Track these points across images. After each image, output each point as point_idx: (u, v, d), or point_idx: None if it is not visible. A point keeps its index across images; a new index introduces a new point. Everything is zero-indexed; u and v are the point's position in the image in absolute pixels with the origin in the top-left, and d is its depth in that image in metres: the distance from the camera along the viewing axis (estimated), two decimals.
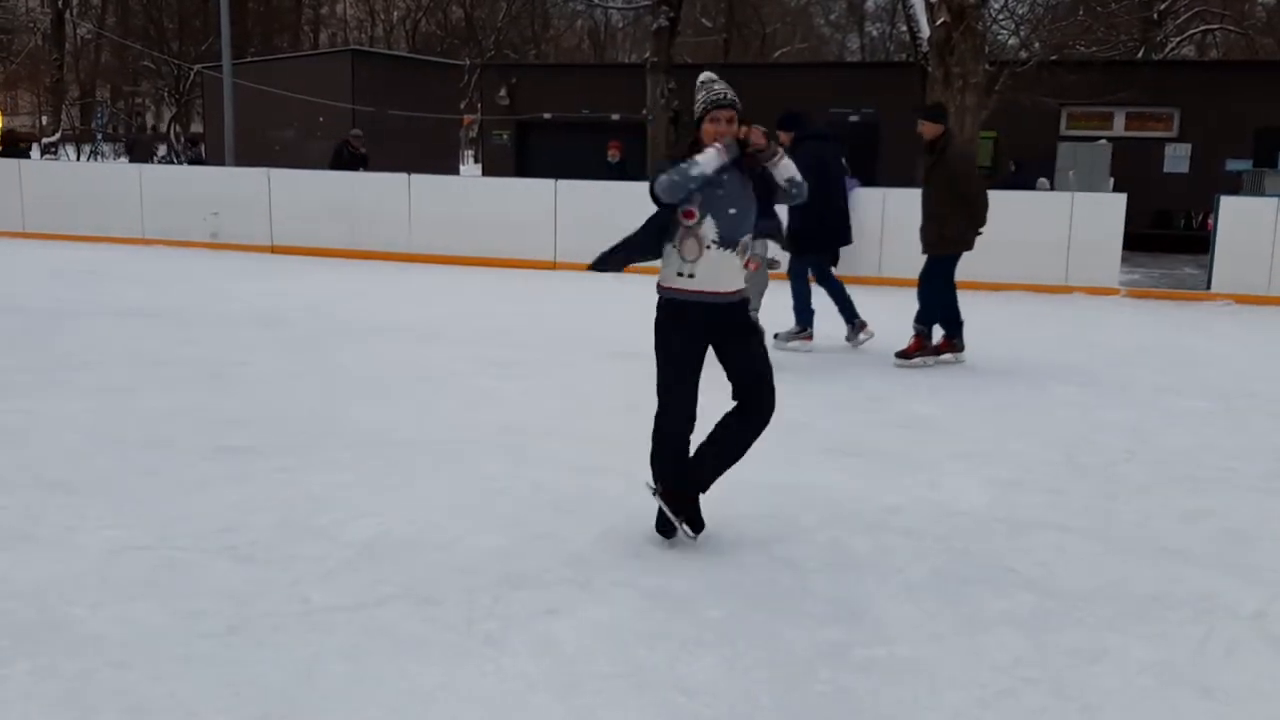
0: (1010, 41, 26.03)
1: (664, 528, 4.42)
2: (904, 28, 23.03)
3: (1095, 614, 3.88)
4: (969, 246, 8.38)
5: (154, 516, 4.61)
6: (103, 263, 13.49)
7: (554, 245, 14.22)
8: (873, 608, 3.88)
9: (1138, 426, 6.66)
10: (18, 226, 16.30)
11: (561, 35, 53.33)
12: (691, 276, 4.17)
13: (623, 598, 3.91)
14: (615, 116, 24.07)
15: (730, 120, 4.19)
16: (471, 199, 14.92)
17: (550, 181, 14.50)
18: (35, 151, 33.03)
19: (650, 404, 4.36)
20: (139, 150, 31.75)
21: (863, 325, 9.16)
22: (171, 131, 43.75)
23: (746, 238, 4.27)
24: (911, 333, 8.48)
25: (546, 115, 25.55)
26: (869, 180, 15.09)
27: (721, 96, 4.23)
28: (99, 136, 41.58)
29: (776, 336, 8.87)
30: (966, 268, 10.48)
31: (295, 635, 3.53)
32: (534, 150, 26.36)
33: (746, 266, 4.33)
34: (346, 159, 17.47)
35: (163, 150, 35.55)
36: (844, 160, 13.82)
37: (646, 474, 4.45)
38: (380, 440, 5.83)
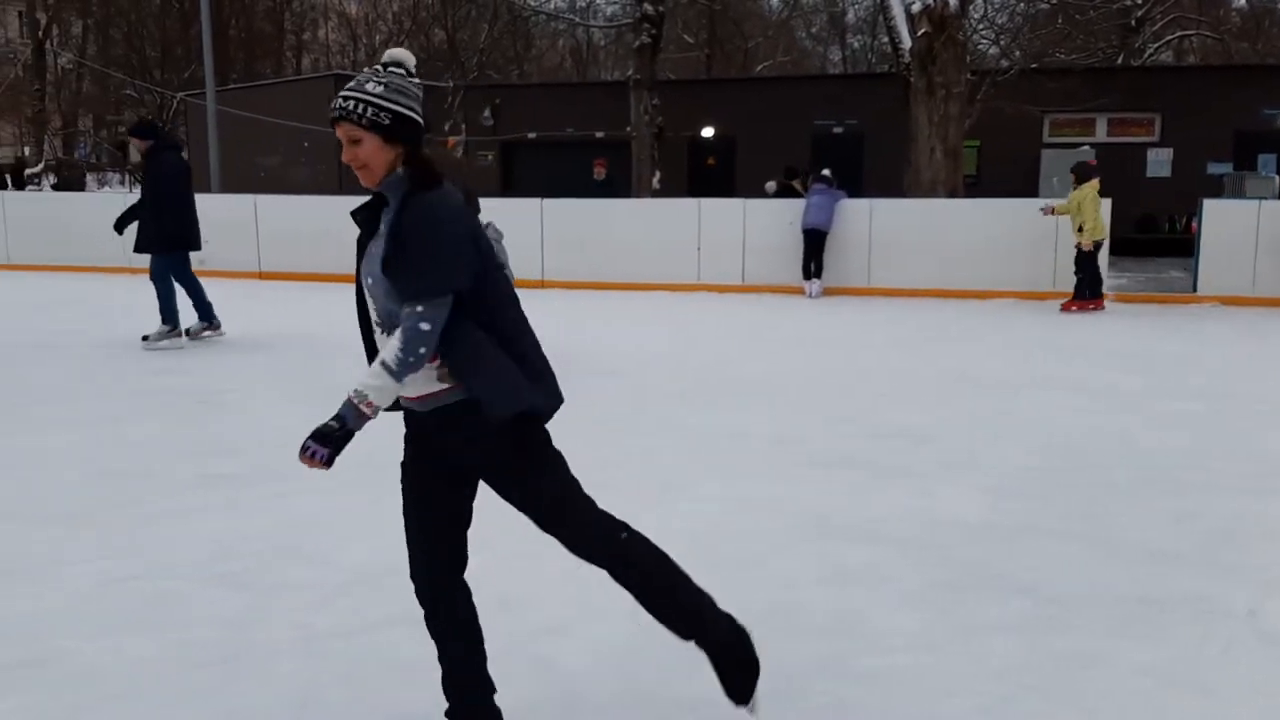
0: (991, 51, 26.19)
1: None
2: (885, 39, 23.16)
3: (1089, 618, 3.88)
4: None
5: (143, 547, 4.58)
6: (86, 293, 13.45)
7: (541, 264, 14.23)
8: (868, 619, 3.88)
9: (1126, 431, 6.68)
10: (2, 258, 16.26)
11: (544, 55, 53.44)
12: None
13: (619, 616, 3.89)
14: (599, 134, 24.12)
15: (353, 141, 2.68)
16: None
17: (536, 201, 14.52)
18: None
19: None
20: (76, 184, 31.55)
21: (218, 325, 9.99)
22: None
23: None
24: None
25: (531, 135, 25.59)
26: (855, 192, 15.17)
27: (335, 108, 2.69)
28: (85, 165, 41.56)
29: (145, 339, 9.61)
30: (951, 274, 10.37)
31: (292, 663, 3.51)
32: (519, 170, 26.40)
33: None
34: None
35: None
36: (826, 172, 13.90)
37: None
38: (370, 463, 5.80)
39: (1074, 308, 12.16)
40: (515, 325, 2.85)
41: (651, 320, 11.51)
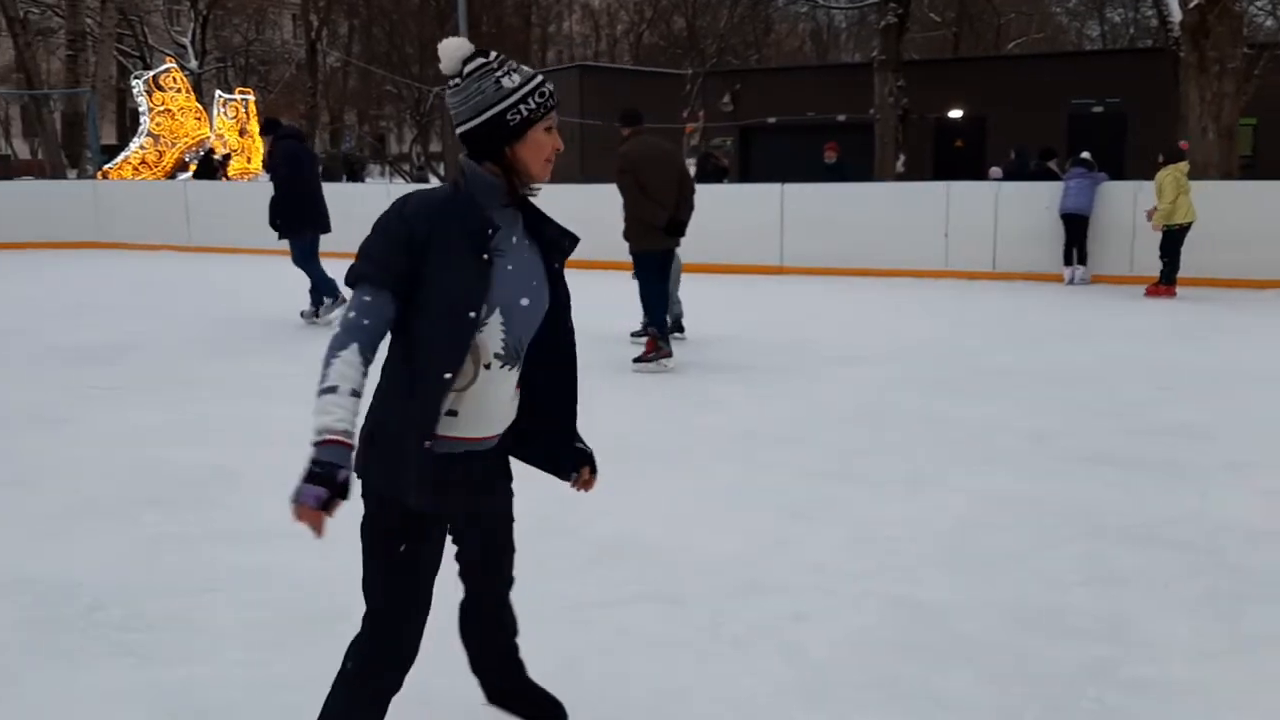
0: (1267, 23, 24.26)
1: None
2: (1150, 12, 21.83)
3: None
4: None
5: None
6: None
7: (780, 250, 14.13)
8: (1141, 624, 3.67)
9: None
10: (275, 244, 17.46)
11: (783, 39, 53.14)
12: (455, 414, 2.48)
13: (870, 607, 3.84)
14: (840, 117, 23.80)
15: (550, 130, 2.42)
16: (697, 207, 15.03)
17: (777, 186, 14.44)
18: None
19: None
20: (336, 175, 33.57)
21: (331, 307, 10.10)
22: (413, 152, 46.02)
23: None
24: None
25: (770, 119, 25.49)
26: (1117, 175, 14.35)
27: (550, 96, 2.40)
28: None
29: (303, 314, 10.20)
30: (1224, 261, 9.63)
31: (556, 630, 3.63)
32: (757, 155, 26.36)
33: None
34: (711, 171, 18.60)
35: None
36: (1086, 155, 13.21)
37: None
38: (618, 444, 5.94)
39: (1153, 292, 11.77)
40: None
41: (897, 307, 11.26)
